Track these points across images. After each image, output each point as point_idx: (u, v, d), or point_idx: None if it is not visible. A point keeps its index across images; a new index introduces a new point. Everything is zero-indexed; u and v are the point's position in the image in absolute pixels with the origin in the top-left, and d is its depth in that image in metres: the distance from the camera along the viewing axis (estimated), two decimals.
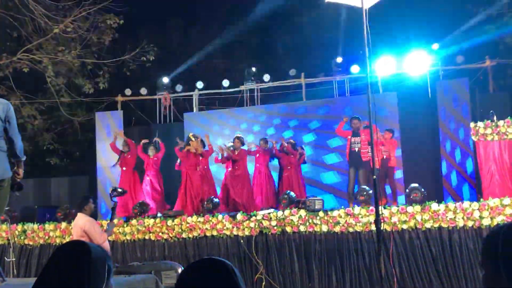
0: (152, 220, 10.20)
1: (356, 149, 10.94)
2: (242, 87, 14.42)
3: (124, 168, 12.11)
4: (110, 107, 14.94)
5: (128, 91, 14.66)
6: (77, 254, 2.11)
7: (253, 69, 14.28)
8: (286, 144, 11.75)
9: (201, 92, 14.77)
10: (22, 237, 10.74)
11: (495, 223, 8.39)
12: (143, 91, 14.74)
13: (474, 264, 8.44)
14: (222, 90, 14.65)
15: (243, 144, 11.89)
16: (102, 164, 13.47)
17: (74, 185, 14.63)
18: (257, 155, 11.94)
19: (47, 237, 10.63)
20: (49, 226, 10.66)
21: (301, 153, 11.94)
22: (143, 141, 12.49)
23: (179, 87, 14.72)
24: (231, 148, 11.77)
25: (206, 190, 11.33)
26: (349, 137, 11.10)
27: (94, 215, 7.42)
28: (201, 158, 11.57)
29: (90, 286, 2.04)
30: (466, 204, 8.64)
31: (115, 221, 9.69)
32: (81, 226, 6.97)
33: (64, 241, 10.42)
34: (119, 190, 9.30)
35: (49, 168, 16.82)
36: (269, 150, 11.96)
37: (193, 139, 11.40)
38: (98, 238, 6.84)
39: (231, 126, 13.69)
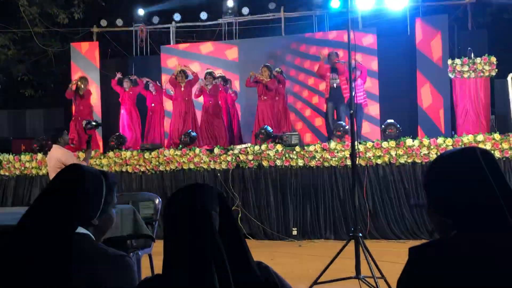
0: (129, 153, 10.21)
1: (335, 85, 10.90)
2: (220, 20, 14.19)
3: (81, 108, 12.07)
4: (85, 38, 14.63)
5: (103, 22, 14.33)
6: (69, 178, 2.09)
7: (232, 1, 14.00)
8: (274, 73, 11.51)
9: (178, 24, 14.50)
10: None
11: None
12: (119, 22, 14.42)
13: None
14: (200, 23, 14.42)
15: (215, 79, 11.87)
16: None
17: (49, 117, 14.49)
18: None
19: (23, 168, 10.61)
20: (25, 157, 10.62)
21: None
22: (118, 75, 12.41)
23: (155, 19, 14.44)
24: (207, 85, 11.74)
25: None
26: (328, 73, 11.04)
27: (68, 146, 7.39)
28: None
29: (80, 210, 2.04)
30: (440, 140, 8.78)
31: (92, 152, 9.71)
32: (58, 157, 6.93)
33: (41, 172, 10.43)
34: (93, 123, 9.25)
35: (23, 100, 16.59)
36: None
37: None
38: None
39: (208, 60, 13.52)
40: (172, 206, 1.87)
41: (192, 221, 1.80)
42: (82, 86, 11.99)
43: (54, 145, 7.13)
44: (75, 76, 12.57)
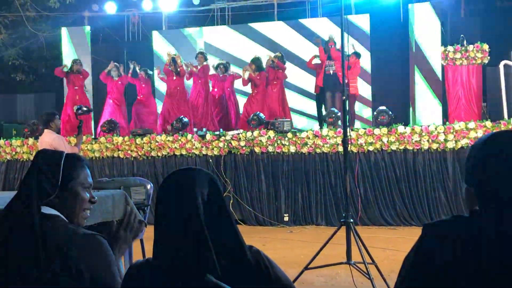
0: (120, 138, 10.19)
1: (331, 72, 10.85)
2: (212, 6, 14.11)
3: (76, 88, 11.98)
4: (76, 23, 14.52)
5: (95, 7, 14.21)
6: (33, 158, 2.12)
7: None
8: (273, 59, 11.33)
9: (170, 9, 14.40)
10: None
11: (459, 146, 8.61)
12: (111, 6, 14.28)
13: (436, 185, 8.70)
14: (192, 8, 14.33)
15: (206, 59, 11.78)
16: None
17: (40, 102, 14.43)
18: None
19: (14, 153, 10.57)
20: (16, 142, 10.58)
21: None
22: (109, 67, 12.27)
23: (148, 4, 14.32)
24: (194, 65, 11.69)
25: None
26: (325, 60, 10.97)
27: (59, 132, 7.33)
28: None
29: (38, 188, 2.06)
30: (431, 127, 8.80)
31: (84, 137, 9.68)
32: (49, 142, 6.89)
33: (32, 157, 10.37)
34: (84, 108, 9.22)
35: (14, 84, 16.50)
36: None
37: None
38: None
39: (200, 45, 13.46)
40: (161, 189, 1.89)
41: (177, 204, 1.81)
42: (73, 66, 11.91)
43: (45, 130, 7.09)
44: (66, 61, 12.47)
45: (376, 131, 8.93)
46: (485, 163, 1.65)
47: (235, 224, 1.88)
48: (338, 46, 10.65)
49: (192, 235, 1.76)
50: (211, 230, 1.78)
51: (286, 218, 9.25)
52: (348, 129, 5.49)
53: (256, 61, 11.31)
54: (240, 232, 1.88)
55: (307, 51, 12.25)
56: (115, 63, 12.33)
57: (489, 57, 9.87)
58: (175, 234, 1.79)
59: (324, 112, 10.77)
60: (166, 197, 1.87)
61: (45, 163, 2.11)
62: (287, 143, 9.31)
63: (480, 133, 8.52)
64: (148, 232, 3.53)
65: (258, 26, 13.44)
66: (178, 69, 11.71)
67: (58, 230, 1.99)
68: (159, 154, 9.97)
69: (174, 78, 11.69)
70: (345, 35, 5.52)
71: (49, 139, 6.91)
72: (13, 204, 2.04)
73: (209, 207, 1.82)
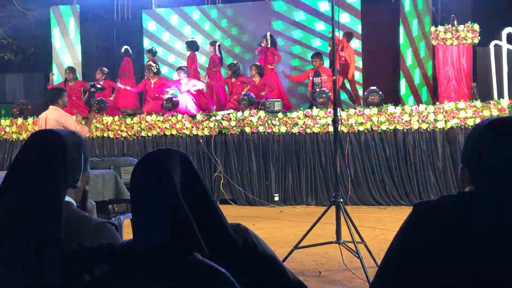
0: (110, 118, 10.16)
1: (317, 90, 10.62)
2: None
3: (73, 98, 11.31)
4: (65, 1, 14.34)
5: None
6: (50, 143, 1.99)
7: None
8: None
9: None
10: None
11: (449, 126, 8.65)
12: None
13: (425, 164, 8.75)
14: None
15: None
16: (57, 62, 13.06)
17: (29, 82, 14.30)
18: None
19: (3, 133, 10.52)
20: (5, 122, 10.51)
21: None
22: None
23: None
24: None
25: None
26: (311, 78, 10.82)
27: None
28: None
29: (67, 175, 2.00)
30: (422, 107, 8.83)
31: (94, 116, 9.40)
32: (57, 119, 6.47)
33: (21, 137, 10.34)
34: (98, 86, 9.18)
35: (3, 64, 16.33)
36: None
37: None
38: (79, 132, 6.63)
39: (191, 25, 13.38)
40: (134, 174, 1.87)
41: (154, 186, 1.80)
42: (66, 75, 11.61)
43: (51, 106, 6.67)
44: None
45: (367, 111, 8.95)
46: (483, 148, 1.67)
47: (214, 201, 1.86)
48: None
49: (173, 215, 1.75)
50: (190, 208, 1.77)
51: (276, 198, 9.29)
52: (338, 109, 5.50)
53: (232, 67, 10.97)
54: (220, 208, 1.87)
55: (301, 29, 12.28)
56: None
57: (479, 37, 9.86)
58: (156, 216, 1.78)
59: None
60: (140, 181, 1.84)
61: (75, 150, 2.04)
62: (277, 123, 9.32)
63: (470, 113, 8.56)
64: None
65: (249, 5, 13.35)
66: (157, 71, 11.25)
67: (71, 218, 1.96)
68: (149, 134, 9.95)
69: (152, 86, 11.15)
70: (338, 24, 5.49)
71: (55, 116, 6.55)
72: (30, 190, 1.90)
73: (185, 186, 1.81)
